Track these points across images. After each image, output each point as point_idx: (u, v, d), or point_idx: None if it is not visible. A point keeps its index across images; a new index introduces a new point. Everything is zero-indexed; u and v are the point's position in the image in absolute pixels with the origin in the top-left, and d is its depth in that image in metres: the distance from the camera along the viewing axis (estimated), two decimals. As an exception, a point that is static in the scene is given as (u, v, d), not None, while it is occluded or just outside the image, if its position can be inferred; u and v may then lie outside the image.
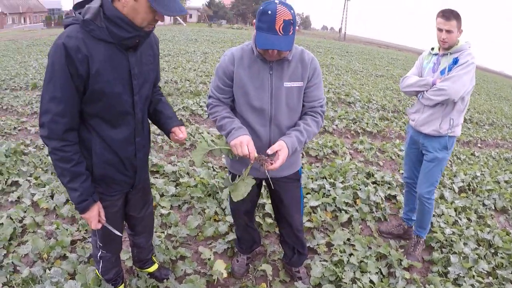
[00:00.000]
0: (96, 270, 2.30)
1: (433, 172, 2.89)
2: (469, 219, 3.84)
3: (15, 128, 5.57)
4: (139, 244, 2.39)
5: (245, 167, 2.22)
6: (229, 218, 3.26)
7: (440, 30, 2.65)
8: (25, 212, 3.03)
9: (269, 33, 1.75)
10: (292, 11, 1.76)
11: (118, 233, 1.94)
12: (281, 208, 2.44)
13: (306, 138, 2.03)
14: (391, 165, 5.39)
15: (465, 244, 3.25)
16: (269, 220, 3.32)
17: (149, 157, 4.18)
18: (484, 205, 4.26)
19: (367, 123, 7.17)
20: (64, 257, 2.70)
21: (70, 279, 2.48)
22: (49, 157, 1.92)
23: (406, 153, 3.18)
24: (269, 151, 1.92)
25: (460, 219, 3.75)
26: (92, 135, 1.69)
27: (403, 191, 3.32)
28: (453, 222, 3.67)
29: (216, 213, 3.40)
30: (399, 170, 5.12)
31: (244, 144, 1.87)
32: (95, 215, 1.75)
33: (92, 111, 1.62)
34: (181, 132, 1.88)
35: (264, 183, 2.55)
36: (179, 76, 9.69)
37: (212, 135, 2.06)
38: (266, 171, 1.94)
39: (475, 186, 4.75)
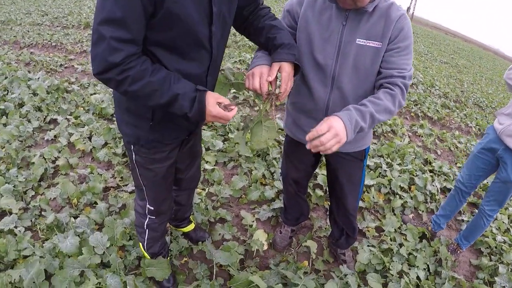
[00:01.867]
0: (140, 244, 1.99)
1: (505, 194, 2.35)
2: (520, 230, 3.43)
3: (61, 65, 5.37)
4: (180, 201, 2.08)
5: (300, 130, 1.83)
6: (278, 184, 2.91)
7: None
8: (59, 152, 2.78)
9: None
10: None
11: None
12: (336, 185, 2.05)
13: (372, 112, 1.39)
14: (448, 156, 4.89)
15: (514, 255, 2.92)
16: (319, 192, 2.94)
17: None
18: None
19: (429, 108, 6.57)
20: (94, 205, 2.45)
21: (98, 230, 2.23)
22: (116, 97, 1.42)
23: (475, 156, 2.49)
24: (310, 134, 1.28)
25: (512, 228, 3.37)
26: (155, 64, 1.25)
27: (450, 193, 2.79)
28: (505, 230, 3.30)
29: (264, 176, 3.04)
30: (456, 163, 4.65)
31: (255, 75, 1.34)
32: (215, 105, 1.24)
33: (159, 40, 1.19)
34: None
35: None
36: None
37: (233, 69, 1.60)
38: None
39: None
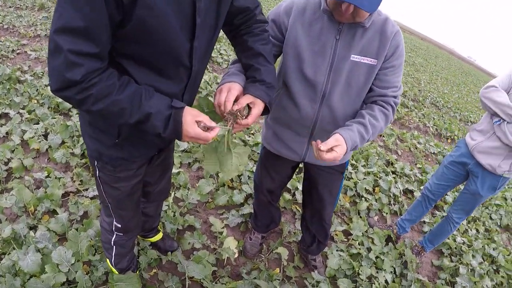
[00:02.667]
0: (107, 260, 1.84)
1: (473, 204, 2.43)
2: (477, 231, 3.63)
3: (13, 50, 4.89)
4: (147, 212, 1.94)
5: (280, 144, 1.76)
6: (246, 187, 2.83)
7: None
8: (12, 152, 2.51)
9: None
10: None
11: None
12: (314, 196, 2.01)
13: (370, 135, 1.46)
14: (408, 157, 5.04)
15: (473, 256, 3.09)
16: (287, 196, 2.91)
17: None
18: (491, 218, 4.02)
19: None
20: (53, 213, 2.24)
21: (59, 239, 2.05)
22: (79, 115, 1.28)
23: (445, 167, 2.53)
24: (322, 146, 1.31)
25: (470, 229, 3.56)
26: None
27: (416, 199, 2.86)
28: (464, 231, 3.49)
29: (232, 180, 2.94)
30: (416, 164, 4.82)
31: (223, 91, 1.21)
32: (194, 124, 1.07)
33: (130, 53, 1.00)
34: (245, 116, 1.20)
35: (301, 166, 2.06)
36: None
37: (209, 99, 1.32)
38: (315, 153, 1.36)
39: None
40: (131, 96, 0.98)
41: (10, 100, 3.27)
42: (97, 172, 1.36)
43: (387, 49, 1.43)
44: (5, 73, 3.69)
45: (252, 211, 2.49)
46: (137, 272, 1.96)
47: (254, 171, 2.19)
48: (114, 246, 1.72)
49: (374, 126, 1.45)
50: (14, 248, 1.95)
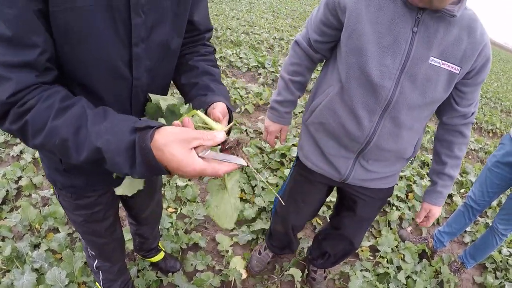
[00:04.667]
0: (97, 284, 1.71)
1: None
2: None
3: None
4: (142, 234, 1.78)
5: (321, 158, 1.47)
6: (259, 200, 2.58)
7: None
8: (23, 170, 2.48)
9: None
10: None
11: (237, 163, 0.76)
12: (347, 221, 1.69)
13: (454, 179, 1.44)
14: None
15: (522, 271, 2.60)
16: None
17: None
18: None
19: None
20: (57, 231, 2.16)
21: (58, 260, 1.95)
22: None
23: (489, 170, 2.13)
24: (417, 219, 1.52)
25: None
26: None
27: (458, 209, 2.42)
28: (510, 241, 2.94)
29: (243, 191, 2.70)
30: None
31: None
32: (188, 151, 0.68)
33: (68, 70, 0.78)
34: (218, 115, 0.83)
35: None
36: (220, 24, 8.69)
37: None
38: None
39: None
40: (72, 120, 0.68)
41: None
42: (58, 197, 1.20)
43: (476, 56, 1.10)
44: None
45: (266, 227, 2.26)
46: None
47: (275, 198, 1.92)
48: (100, 272, 1.57)
49: (457, 167, 1.41)
50: (17, 267, 1.89)
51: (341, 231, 1.73)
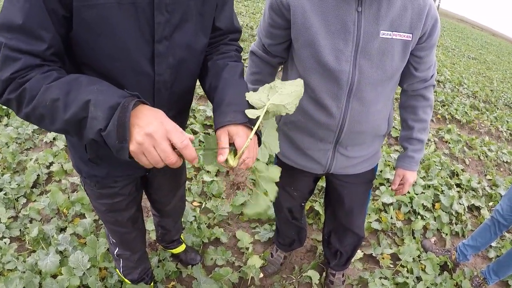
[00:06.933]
0: (117, 270, 1.72)
1: None
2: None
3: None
4: (165, 226, 1.79)
5: (299, 154, 1.45)
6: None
7: None
8: (54, 156, 2.53)
9: None
10: None
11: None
12: (339, 212, 1.67)
13: (424, 141, 1.45)
14: (477, 166, 4.27)
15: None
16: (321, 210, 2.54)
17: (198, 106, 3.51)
18: None
19: (457, 109, 5.82)
20: (84, 216, 2.19)
21: (83, 245, 1.98)
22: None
23: None
24: (393, 187, 1.52)
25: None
26: None
27: (484, 222, 2.27)
28: None
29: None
30: (485, 175, 4.05)
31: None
32: (158, 137, 0.69)
33: (87, 61, 0.82)
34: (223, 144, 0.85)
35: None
36: (256, 22, 8.71)
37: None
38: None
39: None
40: (66, 82, 0.71)
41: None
42: (83, 185, 1.22)
43: (424, 20, 1.13)
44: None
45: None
46: (152, 284, 1.79)
47: None
48: (120, 259, 1.58)
49: (424, 131, 1.42)
50: (42, 248, 1.94)
51: (339, 223, 1.72)
